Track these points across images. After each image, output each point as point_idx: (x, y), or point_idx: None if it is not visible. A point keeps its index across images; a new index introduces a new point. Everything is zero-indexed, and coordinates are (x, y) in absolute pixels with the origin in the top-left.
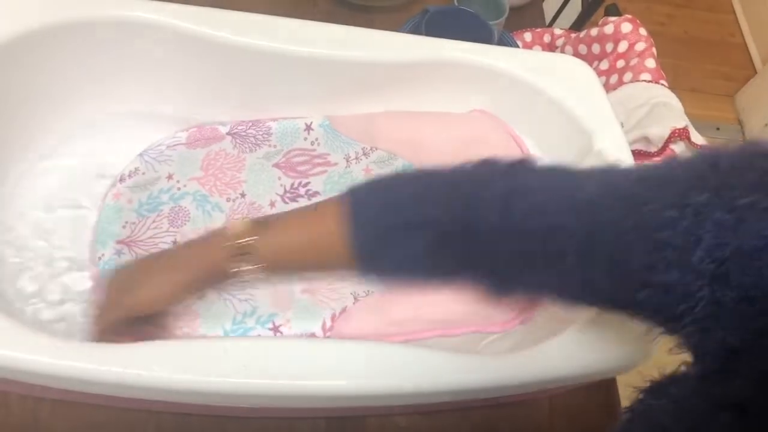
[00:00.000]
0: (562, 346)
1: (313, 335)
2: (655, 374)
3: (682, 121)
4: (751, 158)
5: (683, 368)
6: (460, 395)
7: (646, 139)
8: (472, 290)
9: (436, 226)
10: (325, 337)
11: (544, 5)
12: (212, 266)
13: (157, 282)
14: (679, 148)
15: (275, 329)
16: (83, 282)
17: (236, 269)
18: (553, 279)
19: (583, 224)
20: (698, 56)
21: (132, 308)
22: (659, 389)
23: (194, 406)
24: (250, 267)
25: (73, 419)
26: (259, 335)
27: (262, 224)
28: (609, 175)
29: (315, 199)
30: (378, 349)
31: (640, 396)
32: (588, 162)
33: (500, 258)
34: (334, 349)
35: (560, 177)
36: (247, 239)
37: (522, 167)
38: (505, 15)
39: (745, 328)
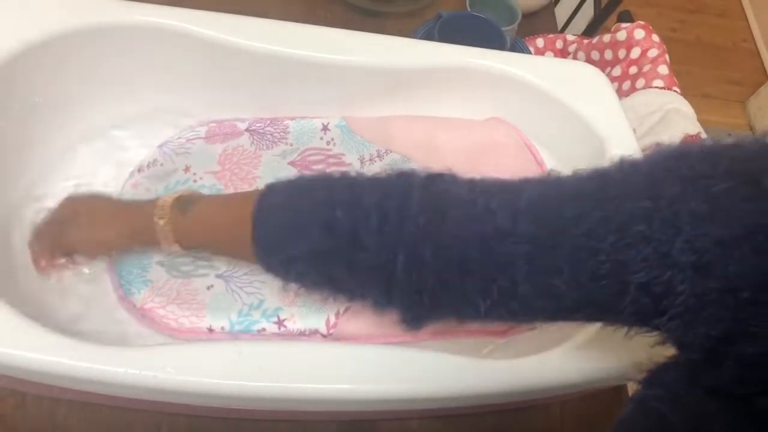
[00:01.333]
0: (571, 352)
1: (316, 331)
2: (649, 364)
3: (694, 127)
4: (720, 149)
5: (672, 358)
6: (473, 400)
7: (659, 146)
8: (369, 306)
9: (347, 229)
10: (329, 333)
11: (557, 11)
12: (141, 230)
13: (98, 228)
14: None
15: (280, 323)
16: (101, 276)
17: (158, 239)
18: (493, 294)
19: (532, 229)
20: (710, 62)
21: (71, 244)
22: (654, 379)
23: (207, 409)
24: (168, 240)
25: (88, 420)
26: (264, 328)
27: (186, 201)
28: (550, 179)
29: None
30: (392, 354)
31: (639, 386)
32: None
33: (428, 272)
34: (348, 353)
35: (492, 183)
36: (164, 215)
37: (445, 176)
38: (518, 21)
39: (729, 320)
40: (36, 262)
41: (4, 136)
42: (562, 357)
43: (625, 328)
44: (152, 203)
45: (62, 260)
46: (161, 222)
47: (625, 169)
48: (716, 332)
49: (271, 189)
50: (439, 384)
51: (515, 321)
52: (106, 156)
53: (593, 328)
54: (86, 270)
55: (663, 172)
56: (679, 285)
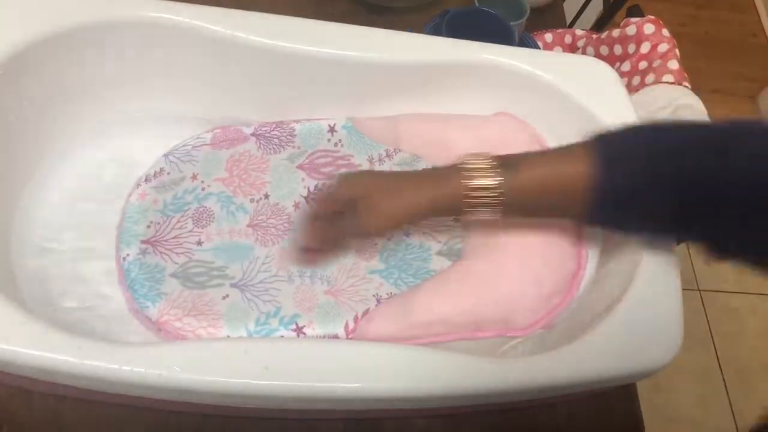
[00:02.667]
0: (581, 350)
1: (335, 337)
2: None
3: None
4: None
5: None
6: (478, 399)
7: None
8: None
9: (687, 180)
10: (348, 338)
11: (565, 6)
12: (451, 198)
13: (407, 198)
14: None
15: (298, 330)
16: (107, 282)
17: (472, 207)
18: None
19: None
20: (720, 57)
21: (380, 212)
22: None
23: (214, 407)
24: (488, 207)
25: (95, 418)
26: (282, 336)
27: (507, 165)
28: None
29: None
30: (397, 352)
31: None
32: None
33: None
34: (355, 351)
35: None
36: (490, 179)
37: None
38: (526, 16)
39: None
40: (313, 217)
41: (10, 133)
42: (574, 355)
43: None
44: (456, 169)
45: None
46: (489, 182)
47: None
48: None
49: (604, 140)
50: (450, 383)
51: None
52: (111, 154)
53: (603, 327)
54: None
55: None
56: None
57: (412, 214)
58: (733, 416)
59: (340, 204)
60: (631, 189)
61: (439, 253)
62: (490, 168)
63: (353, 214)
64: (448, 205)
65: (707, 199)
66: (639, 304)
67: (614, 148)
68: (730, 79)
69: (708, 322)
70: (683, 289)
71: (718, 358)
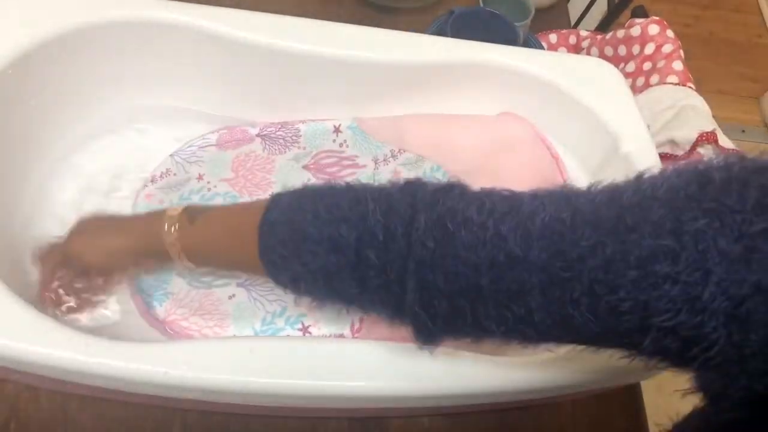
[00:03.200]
0: (586, 351)
1: (341, 336)
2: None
3: (709, 124)
4: (745, 174)
5: (699, 410)
6: (483, 398)
7: (673, 143)
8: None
9: (352, 247)
10: (354, 338)
11: (570, 6)
12: (149, 244)
13: (106, 237)
14: (706, 152)
15: (304, 330)
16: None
17: (166, 250)
18: (507, 321)
19: (545, 256)
20: (724, 58)
21: (79, 254)
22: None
23: (219, 404)
24: (176, 250)
25: (101, 415)
26: (288, 336)
27: (190, 215)
28: (564, 197)
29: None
30: (403, 352)
31: None
32: (614, 165)
33: (439, 296)
34: (360, 350)
35: (503, 202)
36: (173, 223)
37: (453, 192)
38: (531, 16)
39: None
40: (41, 284)
41: (17, 133)
42: (578, 354)
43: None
44: (162, 213)
45: (72, 291)
46: (170, 231)
47: (643, 191)
48: (760, 388)
49: (276, 202)
50: (455, 382)
51: (534, 345)
52: (117, 153)
53: None
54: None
55: (684, 200)
56: (713, 333)
57: (125, 252)
58: None
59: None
60: (286, 257)
61: None
62: (176, 215)
63: (82, 236)
64: (151, 251)
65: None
66: None
67: (279, 204)
68: (734, 79)
69: None
70: None
71: None
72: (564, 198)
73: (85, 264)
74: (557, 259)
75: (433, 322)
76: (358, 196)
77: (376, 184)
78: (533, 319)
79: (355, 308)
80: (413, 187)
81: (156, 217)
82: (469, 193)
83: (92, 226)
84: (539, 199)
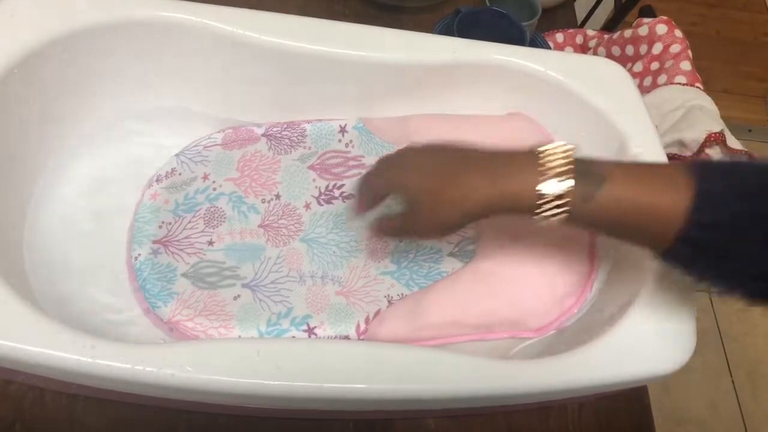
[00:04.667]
0: (593, 354)
1: (347, 337)
2: None
3: (717, 125)
4: None
5: None
6: (489, 401)
7: (681, 143)
8: None
9: None
10: (360, 339)
11: (577, 6)
12: (515, 197)
13: (465, 195)
14: (714, 153)
15: (310, 331)
16: (119, 282)
17: (538, 211)
18: None
19: None
20: (730, 57)
21: (446, 226)
22: None
23: (226, 406)
24: (554, 215)
25: (107, 416)
26: (294, 337)
27: (593, 172)
28: None
29: (350, 202)
30: (408, 353)
31: None
32: None
33: None
34: (366, 352)
35: None
36: (565, 184)
37: None
38: (538, 16)
39: None
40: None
41: (22, 132)
42: (585, 358)
43: None
44: (534, 164)
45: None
46: (563, 187)
47: None
48: None
49: (706, 177)
50: (461, 385)
51: None
52: (122, 153)
53: (614, 331)
54: None
55: None
56: None
57: (470, 215)
58: (743, 418)
59: (385, 197)
60: (728, 237)
61: (451, 254)
62: (569, 172)
63: (404, 216)
64: (511, 205)
65: None
66: (651, 307)
67: (709, 179)
68: (741, 79)
69: (717, 323)
70: (693, 290)
71: (727, 360)
72: None
73: (428, 230)
74: None
75: None
76: None
77: None
78: None
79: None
80: None
81: (533, 163)
82: None
83: (443, 182)
84: None
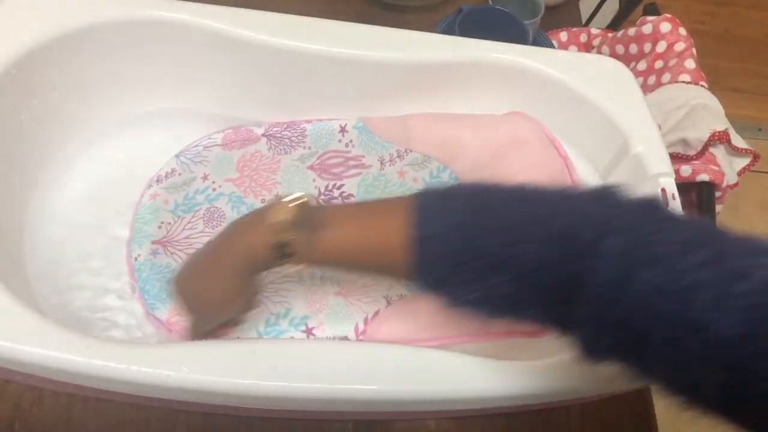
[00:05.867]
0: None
1: (345, 338)
2: None
3: (722, 123)
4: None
5: None
6: (488, 402)
7: (685, 142)
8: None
9: (530, 270)
10: (358, 340)
11: (581, 4)
12: (253, 258)
13: (212, 284)
14: (718, 152)
15: (308, 332)
16: (118, 282)
17: (277, 263)
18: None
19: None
20: (740, 55)
21: (210, 316)
22: None
23: (223, 407)
24: (292, 265)
25: (105, 416)
26: (292, 337)
27: (310, 220)
28: None
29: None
30: (407, 354)
31: None
32: (624, 166)
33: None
34: (363, 353)
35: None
36: (288, 237)
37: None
38: (541, 14)
39: None
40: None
41: (23, 132)
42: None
43: None
44: (261, 222)
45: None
46: (288, 237)
47: None
48: None
49: (424, 213)
50: (461, 386)
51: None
52: (123, 155)
53: None
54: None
55: None
56: None
57: (233, 287)
58: None
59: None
60: (448, 276)
61: None
62: (291, 222)
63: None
64: (256, 264)
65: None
66: None
67: (429, 222)
68: (750, 77)
69: None
70: None
71: None
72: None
73: (225, 314)
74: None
75: (599, 350)
76: (534, 209)
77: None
78: (700, 394)
79: (509, 318)
80: (607, 199)
81: (254, 226)
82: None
83: (193, 281)
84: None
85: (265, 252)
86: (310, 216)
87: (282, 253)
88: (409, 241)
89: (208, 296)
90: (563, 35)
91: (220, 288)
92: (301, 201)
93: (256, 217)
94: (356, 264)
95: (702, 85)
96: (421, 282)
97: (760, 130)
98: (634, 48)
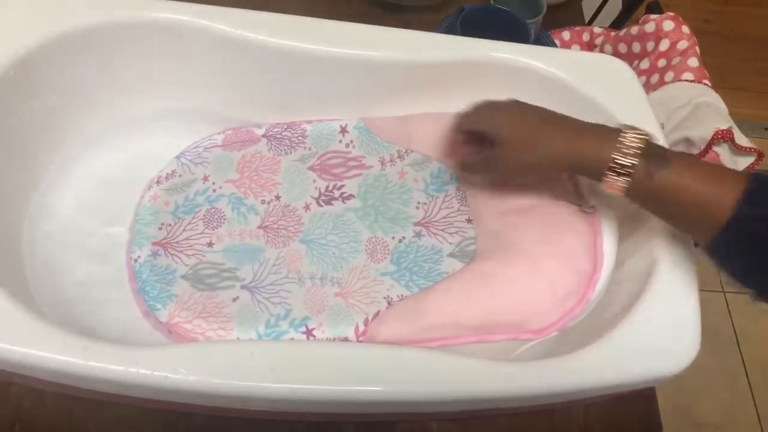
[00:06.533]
0: (596, 355)
1: (346, 339)
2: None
3: (725, 122)
4: None
5: None
6: (490, 403)
7: (688, 141)
8: None
9: None
10: (359, 341)
11: (583, 3)
12: (591, 161)
13: (547, 150)
14: (722, 151)
15: (308, 333)
16: (119, 284)
17: (598, 178)
18: None
19: None
20: (746, 54)
21: (520, 170)
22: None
23: (222, 408)
24: (623, 185)
25: (106, 418)
26: (293, 339)
27: (660, 156)
28: None
29: (349, 203)
30: (408, 355)
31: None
32: None
33: None
34: (363, 354)
35: None
36: (632, 161)
37: None
38: (543, 13)
39: None
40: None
41: (23, 134)
42: (588, 359)
43: None
44: (614, 137)
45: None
46: (618, 177)
47: None
48: None
49: (759, 194)
50: (462, 387)
51: None
52: (123, 156)
53: (617, 332)
54: None
55: None
56: None
57: (545, 160)
58: (759, 421)
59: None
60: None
61: (451, 254)
62: (639, 150)
63: (489, 154)
64: (581, 164)
65: None
66: (655, 307)
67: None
68: (756, 75)
69: (733, 324)
70: (708, 291)
71: (743, 361)
72: None
73: (503, 170)
74: None
75: None
76: None
77: None
78: None
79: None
80: None
81: (608, 140)
82: None
83: (533, 135)
84: None
85: (600, 165)
86: (653, 151)
87: (617, 172)
88: (735, 212)
89: (522, 149)
90: (565, 34)
91: (536, 153)
92: (646, 134)
93: (602, 130)
94: (677, 208)
95: (705, 84)
96: (718, 248)
97: (766, 129)
98: (636, 46)
